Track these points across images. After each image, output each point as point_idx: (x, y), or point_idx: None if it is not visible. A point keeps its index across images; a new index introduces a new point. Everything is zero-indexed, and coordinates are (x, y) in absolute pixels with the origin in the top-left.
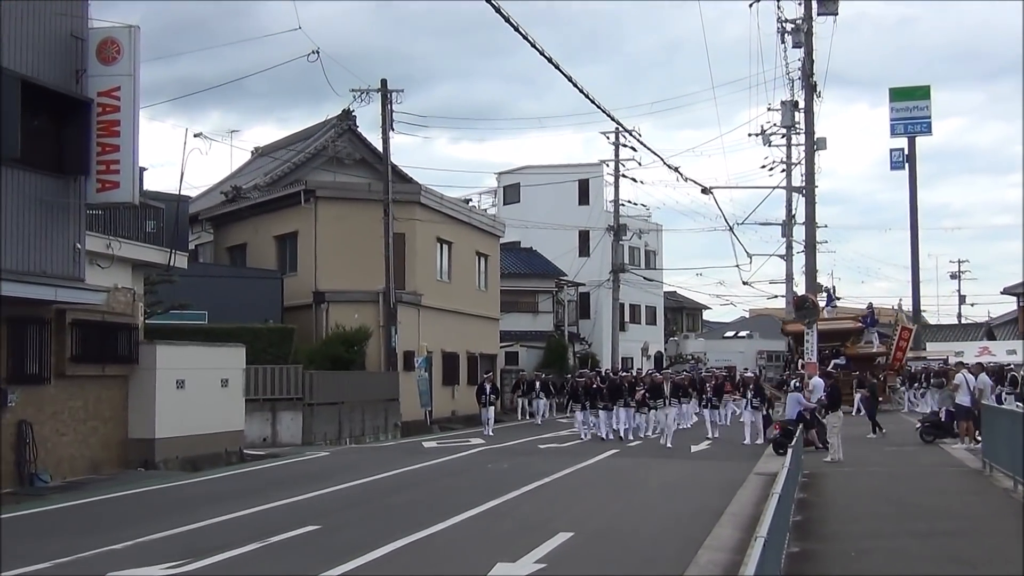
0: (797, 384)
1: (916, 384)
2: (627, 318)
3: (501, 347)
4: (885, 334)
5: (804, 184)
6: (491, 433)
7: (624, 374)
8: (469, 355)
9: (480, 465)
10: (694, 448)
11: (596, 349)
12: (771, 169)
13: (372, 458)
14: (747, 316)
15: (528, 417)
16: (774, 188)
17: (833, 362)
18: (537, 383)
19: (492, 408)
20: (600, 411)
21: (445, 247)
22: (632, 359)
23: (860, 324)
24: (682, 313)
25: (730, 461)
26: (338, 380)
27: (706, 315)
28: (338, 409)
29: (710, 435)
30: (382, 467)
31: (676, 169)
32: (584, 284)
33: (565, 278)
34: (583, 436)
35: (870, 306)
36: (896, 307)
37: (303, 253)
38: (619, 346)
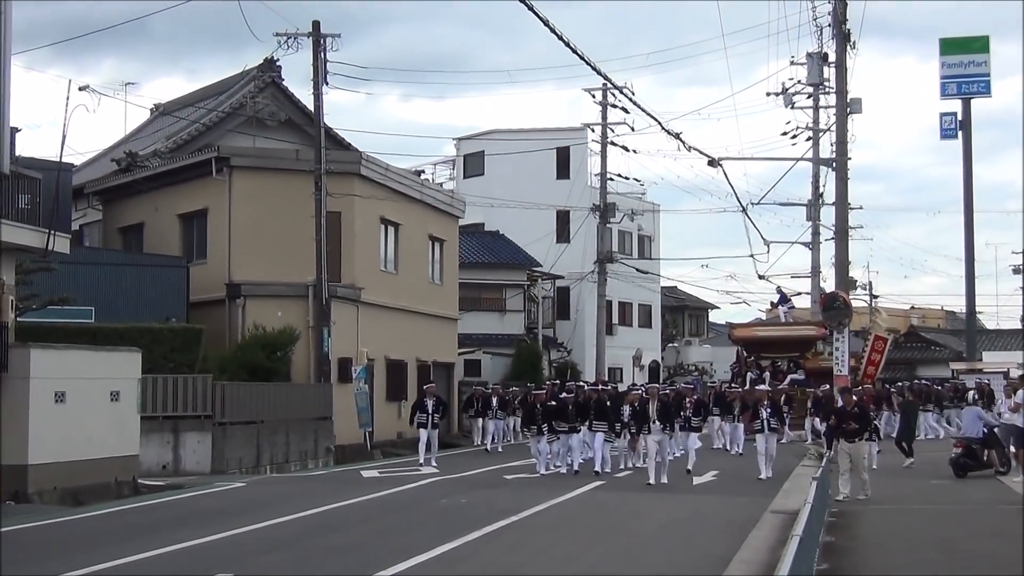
0: (975, 396)
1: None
2: (616, 319)
3: (460, 354)
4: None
5: (835, 156)
6: (423, 462)
7: (592, 388)
8: (420, 364)
9: (432, 500)
10: (697, 480)
11: (577, 357)
12: (794, 137)
13: (298, 490)
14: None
15: (482, 442)
16: (798, 160)
17: (790, 377)
18: (494, 399)
19: (435, 431)
20: (562, 435)
21: (391, 230)
22: (621, 369)
23: (824, 331)
24: (684, 313)
25: (741, 496)
26: (257, 394)
27: (713, 316)
28: (256, 430)
29: (689, 468)
30: (311, 502)
31: (678, 136)
32: (563, 277)
33: (539, 269)
34: (539, 470)
35: None
36: (871, 308)
37: (214, 236)
38: (605, 353)
